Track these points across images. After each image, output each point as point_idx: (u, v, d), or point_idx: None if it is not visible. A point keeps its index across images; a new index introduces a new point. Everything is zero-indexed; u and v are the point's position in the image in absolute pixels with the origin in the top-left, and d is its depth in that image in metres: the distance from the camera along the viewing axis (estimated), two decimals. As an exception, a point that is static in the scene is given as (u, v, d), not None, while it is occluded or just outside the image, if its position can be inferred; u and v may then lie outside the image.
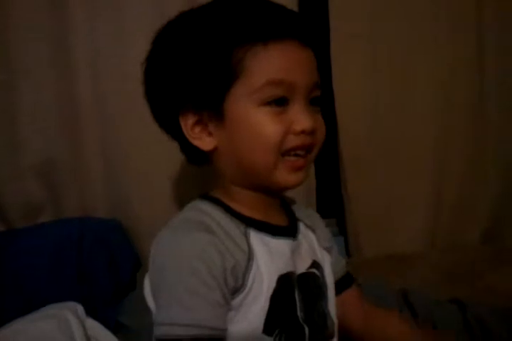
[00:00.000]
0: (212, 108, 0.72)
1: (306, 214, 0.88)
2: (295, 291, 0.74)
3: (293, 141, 0.71)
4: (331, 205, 1.66)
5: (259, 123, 0.70)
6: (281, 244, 0.75)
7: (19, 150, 1.36)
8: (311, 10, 1.52)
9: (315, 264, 0.80)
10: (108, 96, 1.37)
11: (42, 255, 1.18)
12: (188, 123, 0.73)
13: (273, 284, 0.71)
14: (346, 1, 1.47)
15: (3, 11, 1.31)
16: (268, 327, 0.69)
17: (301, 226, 0.83)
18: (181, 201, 1.38)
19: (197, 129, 0.74)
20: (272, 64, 0.70)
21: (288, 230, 0.79)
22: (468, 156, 1.62)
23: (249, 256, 0.70)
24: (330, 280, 0.84)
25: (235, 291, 0.68)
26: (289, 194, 1.47)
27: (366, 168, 1.57)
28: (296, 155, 0.72)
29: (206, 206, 0.74)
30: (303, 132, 0.71)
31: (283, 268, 0.73)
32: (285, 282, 0.72)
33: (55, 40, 1.34)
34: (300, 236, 0.80)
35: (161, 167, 1.39)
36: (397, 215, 1.59)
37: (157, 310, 0.66)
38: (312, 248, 0.83)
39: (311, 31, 0.75)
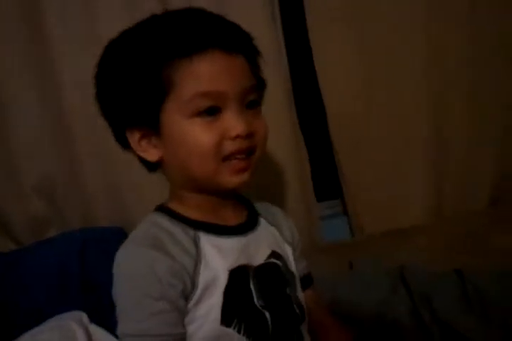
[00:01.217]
0: (150, 123, 0.76)
1: (271, 212, 0.93)
2: (250, 282, 0.78)
3: (230, 147, 0.74)
4: (332, 187, 1.68)
5: (193, 134, 0.73)
6: (231, 243, 0.79)
7: (19, 171, 1.42)
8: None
9: (274, 254, 0.85)
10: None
11: (48, 268, 1.24)
12: (134, 138, 0.78)
13: (225, 279, 0.75)
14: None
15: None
16: (226, 319, 0.74)
17: (262, 221, 0.88)
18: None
19: (143, 142, 0.78)
20: (197, 77, 0.73)
21: (240, 228, 0.83)
22: (467, 123, 1.60)
23: (197, 259, 0.75)
24: (295, 270, 0.88)
25: (187, 294, 0.73)
26: (285, 180, 1.54)
27: (360, 148, 1.57)
28: (236, 158, 0.76)
29: (157, 217, 0.79)
30: (238, 137, 0.74)
31: (234, 263, 0.77)
32: (238, 275, 0.77)
33: (39, 66, 1.39)
34: (260, 229, 0.86)
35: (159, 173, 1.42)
36: (397, 191, 1.59)
37: (117, 323, 0.72)
38: (274, 239, 0.88)
39: (236, 37, 0.77)
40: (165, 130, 0.75)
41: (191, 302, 0.73)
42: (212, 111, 0.74)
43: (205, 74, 0.73)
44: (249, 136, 0.75)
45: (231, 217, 0.84)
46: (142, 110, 0.75)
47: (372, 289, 1.20)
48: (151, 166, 0.83)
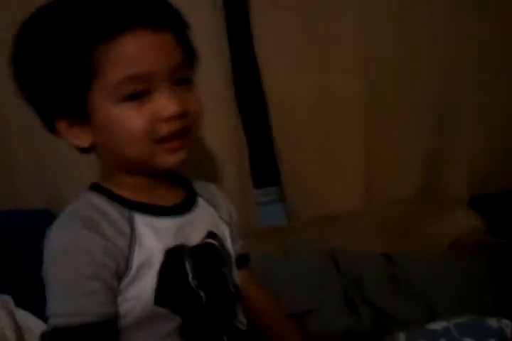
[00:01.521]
0: (78, 111, 0.72)
1: (209, 191, 0.92)
2: (185, 262, 0.77)
3: (163, 129, 0.72)
4: (270, 174, 1.69)
5: (123, 119, 0.70)
6: (166, 223, 0.78)
7: None
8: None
9: (211, 235, 0.84)
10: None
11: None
12: (63, 126, 0.74)
13: (161, 259, 0.74)
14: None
15: None
16: (160, 299, 0.73)
17: (200, 201, 0.87)
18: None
19: (73, 129, 0.74)
20: (122, 59, 0.69)
21: (177, 208, 0.82)
22: (399, 111, 1.63)
23: (132, 239, 0.73)
24: (231, 250, 0.88)
25: (121, 275, 0.71)
26: (222, 164, 1.53)
27: (297, 134, 1.58)
28: (171, 139, 0.73)
29: (91, 196, 0.77)
30: (171, 118, 0.71)
31: (170, 243, 0.76)
32: (173, 254, 0.76)
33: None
34: (197, 210, 0.85)
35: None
36: (332, 178, 1.62)
37: (47, 304, 0.70)
38: (211, 219, 0.87)
39: (161, 13, 0.73)
40: (94, 116, 0.72)
41: (124, 283, 0.72)
42: (142, 94, 0.70)
43: (130, 56, 0.69)
44: (182, 115, 0.72)
45: (168, 197, 0.82)
46: (67, 98, 0.71)
47: (305, 271, 1.22)
48: (84, 150, 0.79)
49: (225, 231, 0.89)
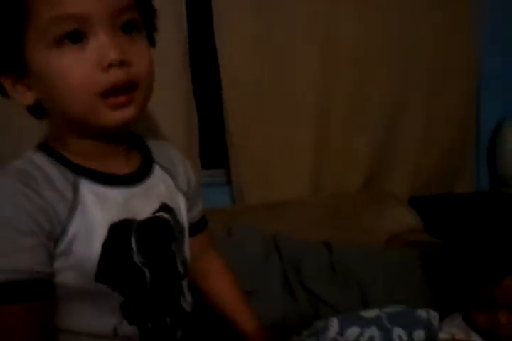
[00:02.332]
0: (17, 63, 0.67)
1: (165, 153, 0.85)
2: (131, 237, 0.73)
3: (104, 79, 0.65)
4: (218, 156, 1.68)
5: (58, 67, 0.65)
6: (114, 193, 0.73)
7: None
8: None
9: (164, 208, 0.79)
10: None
11: None
12: (8, 84, 0.69)
13: (105, 232, 0.70)
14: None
15: None
16: (100, 274, 0.70)
17: (157, 170, 0.81)
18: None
19: (18, 86, 0.69)
20: (51, 0, 0.63)
21: (129, 178, 0.77)
22: (349, 105, 1.67)
23: (73, 205, 0.69)
24: (185, 222, 0.84)
25: (56, 238, 0.68)
26: (172, 141, 1.50)
27: (250, 119, 1.59)
28: (115, 94, 0.67)
29: (36, 155, 0.72)
30: (110, 65, 0.65)
31: (115, 217, 0.72)
32: (118, 229, 0.72)
33: None
34: (151, 180, 0.79)
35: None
36: (281, 164, 1.64)
37: None
38: (166, 190, 0.82)
39: None
40: (32, 68, 0.66)
41: (60, 248, 0.68)
42: (76, 38, 0.64)
43: None
44: (124, 63, 0.66)
45: (121, 164, 0.76)
46: (4, 50, 0.66)
47: (247, 253, 1.23)
48: (36, 113, 0.74)
49: (180, 202, 0.84)
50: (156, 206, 0.78)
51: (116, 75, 0.66)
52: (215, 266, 0.95)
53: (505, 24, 1.77)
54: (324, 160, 1.67)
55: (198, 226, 0.91)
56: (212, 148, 1.69)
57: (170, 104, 1.48)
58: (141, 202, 0.76)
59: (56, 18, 0.63)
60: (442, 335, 0.99)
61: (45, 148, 0.74)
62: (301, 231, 1.41)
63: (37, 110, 0.73)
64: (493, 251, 0.99)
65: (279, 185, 1.64)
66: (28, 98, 0.70)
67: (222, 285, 0.94)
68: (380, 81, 1.67)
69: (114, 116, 0.68)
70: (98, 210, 0.71)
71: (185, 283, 0.83)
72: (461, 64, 1.73)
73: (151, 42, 0.75)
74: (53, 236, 0.67)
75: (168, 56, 1.43)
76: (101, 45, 0.65)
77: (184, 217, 0.84)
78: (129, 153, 0.79)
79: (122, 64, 0.66)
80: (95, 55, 0.65)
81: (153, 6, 0.76)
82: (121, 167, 0.76)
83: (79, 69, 0.65)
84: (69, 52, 0.65)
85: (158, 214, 0.78)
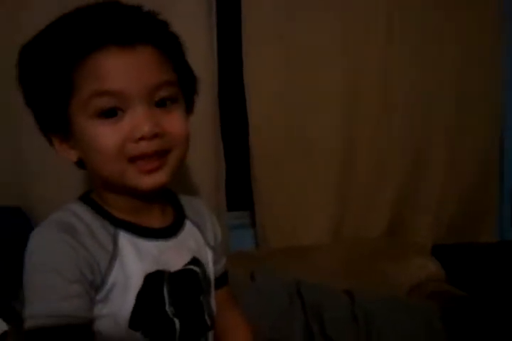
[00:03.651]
0: (63, 127, 0.74)
1: (195, 209, 0.90)
2: (164, 288, 0.77)
3: (135, 149, 0.71)
4: (244, 199, 1.71)
5: (94, 136, 0.71)
6: (150, 246, 0.78)
7: None
8: (224, 15, 1.59)
9: (194, 261, 0.83)
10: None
11: None
12: (56, 141, 0.77)
13: (140, 282, 0.74)
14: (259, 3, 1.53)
15: None
16: (134, 323, 0.73)
17: (188, 224, 0.86)
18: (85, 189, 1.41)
19: (64, 144, 0.77)
20: (94, 76, 0.70)
21: (163, 231, 0.81)
22: (372, 155, 1.70)
23: (113, 256, 0.73)
24: (211, 276, 0.88)
25: (97, 287, 0.71)
26: (199, 188, 1.55)
27: (275, 165, 1.63)
28: (144, 159, 0.72)
29: (78, 207, 0.77)
30: (142, 139, 0.70)
31: (151, 267, 0.76)
32: (153, 280, 0.76)
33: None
34: (183, 234, 0.84)
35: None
36: (304, 210, 1.66)
37: (24, 305, 0.69)
38: (196, 244, 0.86)
39: (137, 29, 0.71)
40: (75, 133, 0.74)
41: (98, 297, 0.72)
42: (113, 112, 0.71)
43: (100, 72, 0.69)
44: (158, 136, 0.71)
45: (155, 219, 0.81)
46: (53, 115, 0.74)
47: (270, 300, 1.24)
48: (79, 164, 0.80)
49: (208, 256, 0.88)
50: (187, 259, 0.82)
51: (147, 146, 0.71)
52: (234, 322, 0.95)
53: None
54: (347, 205, 1.70)
55: (220, 281, 0.93)
56: (238, 191, 1.73)
57: (199, 148, 1.52)
58: (174, 254, 0.80)
59: (97, 93, 0.70)
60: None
61: (86, 200, 0.79)
62: (323, 278, 1.41)
63: (82, 165, 0.79)
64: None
65: (302, 229, 1.66)
66: (72, 156, 0.77)
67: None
68: (403, 126, 1.70)
69: (145, 180, 0.73)
70: (135, 261, 0.75)
71: (211, 335, 0.85)
72: (484, 108, 1.76)
73: (189, 107, 0.81)
74: (94, 285, 0.71)
75: (197, 102, 1.48)
76: (136, 118, 0.70)
77: (211, 270, 0.88)
78: (163, 208, 0.84)
79: (155, 136, 0.71)
80: (129, 128, 0.71)
81: (195, 76, 0.81)
82: (156, 221, 0.81)
83: (112, 139, 0.71)
84: (106, 123, 0.71)
85: (189, 266, 0.82)
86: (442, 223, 1.76)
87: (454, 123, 1.74)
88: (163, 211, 0.83)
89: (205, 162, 1.56)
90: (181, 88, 0.77)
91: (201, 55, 1.48)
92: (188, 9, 1.47)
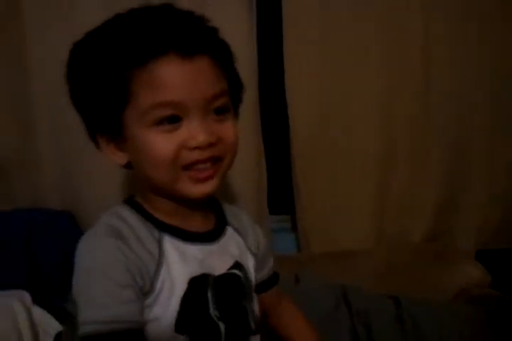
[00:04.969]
0: (115, 130, 0.75)
1: (238, 218, 0.91)
2: (208, 291, 0.77)
3: (189, 157, 0.72)
4: (285, 203, 1.73)
5: (151, 143, 0.71)
6: (194, 250, 0.78)
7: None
8: (265, 19, 1.60)
9: (237, 265, 0.84)
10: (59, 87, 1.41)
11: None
12: (103, 142, 0.77)
13: (184, 286, 0.75)
14: (299, 9, 1.54)
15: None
16: (180, 326, 0.74)
17: (229, 230, 0.87)
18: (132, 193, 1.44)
19: (111, 146, 0.77)
20: (153, 86, 0.70)
21: (206, 236, 0.82)
22: (414, 160, 1.68)
23: (160, 260, 0.74)
24: (253, 280, 0.88)
25: (145, 292, 0.72)
26: (241, 191, 1.57)
27: (316, 168, 1.63)
28: (198, 168, 0.73)
29: (124, 211, 0.78)
30: (197, 147, 0.71)
31: (196, 271, 0.77)
32: (197, 283, 0.76)
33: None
34: (225, 239, 0.84)
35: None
36: (345, 214, 1.65)
37: (78, 311, 0.69)
38: (238, 250, 0.86)
39: (195, 38, 0.72)
40: (128, 135, 0.74)
41: (147, 301, 0.72)
42: (173, 120, 0.71)
43: (160, 82, 0.70)
44: (212, 145, 0.72)
45: (199, 223, 0.82)
46: (105, 117, 0.74)
47: (317, 304, 1.24)
48: (125, 165, 0.80)
49: (250, 263, 0.88)
50: (230, 263, 0.83)
51: (201, 154, 0.72)
52: (291, 314, 0.98)
53: None
54: (388, 208, 1.68)
55: (270, 282, 0.94)
56: (280, 195, 1.74)
57: (240, 152, 1.53)
58: (217, 259, 0.81)
59: (157, 104, 0.70)
60: None
61: (132, 203, 0.80)
62: (365, 283, 1.41)
63: (129, 166, 0.79)
64: None
65: (343, 233, 1.65)
66: (120, 158, 0.77)
67: (304, 331, 0.97)
68: (444, 127, 1.68)
69: (197, 189, 0.74)
70: (180, 265, 0.75)
71: (254, 339, 0.85)
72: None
73: (236, 113, 0.81)
74: (144, 290, 0.72)
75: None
76: (192, 128, 0.72)
77: (252, 275, 0.88)
78: (206, 213, 0.84)
79: (209, 146, 0.72)
80: (185, 137, 0.72)
81: (242, 85, 0.82)
82: (199, 226, 0.82)
83: (167, 148, 0.71)
84: (162, 132, 0.71)
85: (232, 271, 0.83)
86: (487, 227, 1.73)
87: (496, 123, 1.71)
88: (205, 216, 0.83)
89: (246, 165, 1.57)
90: (230, 96, 0.78)
91: (242, 57, 1.49)
92: (229, 10, 1.48)
